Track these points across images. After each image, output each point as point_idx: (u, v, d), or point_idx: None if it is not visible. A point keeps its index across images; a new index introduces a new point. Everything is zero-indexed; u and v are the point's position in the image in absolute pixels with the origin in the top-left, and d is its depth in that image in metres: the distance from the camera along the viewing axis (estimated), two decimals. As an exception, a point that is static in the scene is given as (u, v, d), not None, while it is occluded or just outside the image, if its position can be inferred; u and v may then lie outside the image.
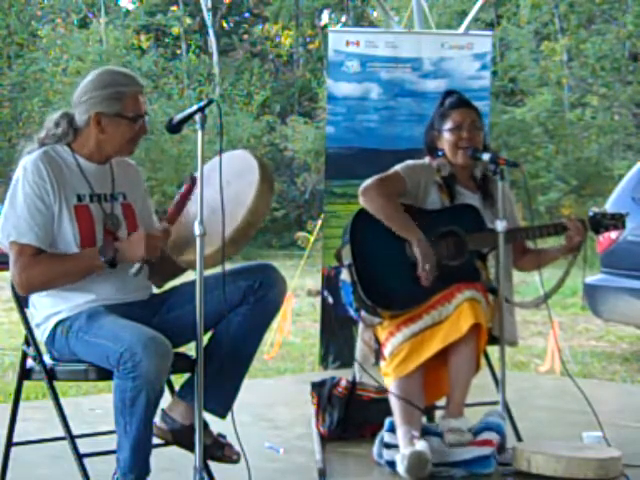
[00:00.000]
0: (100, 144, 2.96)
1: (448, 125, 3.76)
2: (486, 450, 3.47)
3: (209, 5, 26.54)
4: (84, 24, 24.65)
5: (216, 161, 2.96)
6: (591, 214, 3.83)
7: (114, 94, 2.91)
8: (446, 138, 3.77)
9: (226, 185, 2.84)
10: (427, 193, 3.74)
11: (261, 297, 2.96)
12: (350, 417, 4.10)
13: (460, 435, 3.48)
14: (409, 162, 3.81)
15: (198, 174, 2.83)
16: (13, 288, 2.99)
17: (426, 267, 3.54)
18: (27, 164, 2.87)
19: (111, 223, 2.96)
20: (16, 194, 2.85)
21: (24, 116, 20.09)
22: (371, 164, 4.52)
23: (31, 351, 2.99)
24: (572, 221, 3.75)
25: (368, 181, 3.70)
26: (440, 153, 3.79)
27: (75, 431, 2.96)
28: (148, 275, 3.06)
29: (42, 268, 2.84)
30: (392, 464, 3.52)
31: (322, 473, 3.53)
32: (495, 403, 3.69)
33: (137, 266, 2.86)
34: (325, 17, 29.41)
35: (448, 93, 3.88)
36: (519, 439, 3.83)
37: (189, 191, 2.94)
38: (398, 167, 3.78)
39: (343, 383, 4.16)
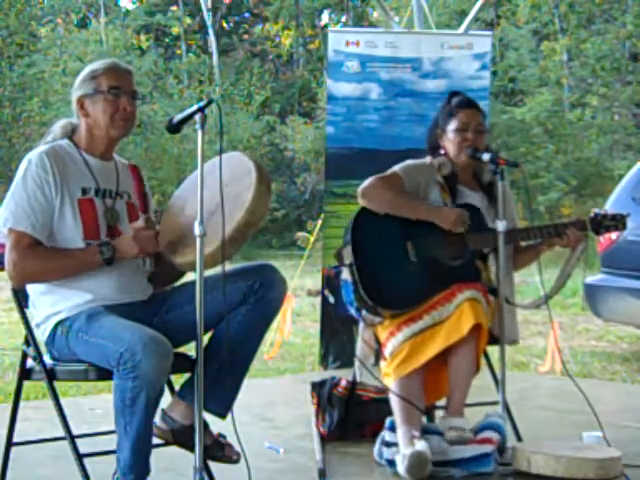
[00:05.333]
0: (90, 130, 3.01)
1: (454, 125, 3.75)
2: (486, 448, 3.47)
3: (209, 5, 26.55)
4: (84, 24, 24.69)
5: (212, 164, 2.96)
6: (592, 215, 3.83)
7: (89, 75, 3.00)
8: (450, 138, 3.76)
9: (223, 187, 2.83)
10: (428, 192, 3.73)
11: (261, 297, 2.96)
12: (350, 417, 4.10)
13: (461, 432, 3.48)
14: (409, 162, 3.80)
15: (198, 174, 2.83)
16: (13, 288, 3.00)
17: (460, 229, 3.61)
18: (32, 157, 2.91)
19: (110, 217, 2.97)
20: (18, 184, 2.89)
21: (24, 116, 20.11)
22: (371, 164, 4.51)
23: (31, 351, 2.99)
24: (572, 229, 3.74)
25: (366, 182, 3.69)
26: (442, 152, 3.79)
27: (75, 431, 2.95)
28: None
29: (37, 260, 2.85)
30: (392, 463, 3.52)
31: (322, 473, 3.53)
32: (495, 403, 3.69)
33: (147, 262, 2.97)
34: (325, 17, 29.44)
35: (454, 93, 3.87)
36: (519, 439, 3.83)
37: (137, 178, 3.08)
38: (396, 167, 3.77)
39: (343, 383, 4.16)
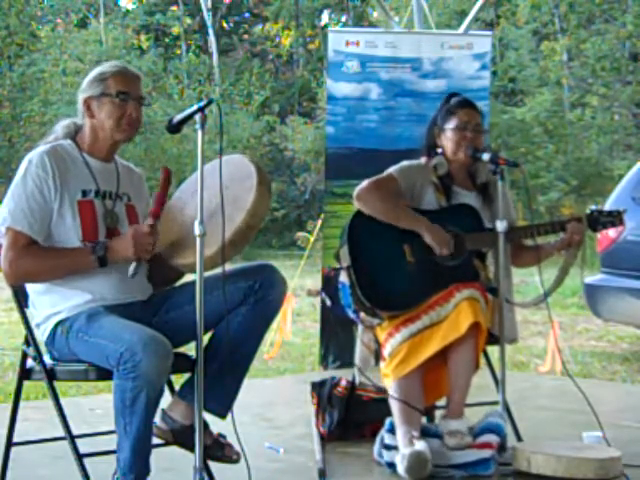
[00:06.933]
0: (94, 131, 3.00)
1: (453, 123, 3.75)
2: (486, 453, 3.46)
3: (209, 5, 26.53)
4: (84, 24, 24.65)
5: (212, 165, 2.97)
6: (589, 212, 3.83)
7: (97, 76, 3.00)
8: (449, 136, 3.75)
9: (224, 189, 2.83)
10: (423, 193, 3.73)
11: (261, 297, 2.96)
12: (350, 417, 4.10)
13: (460, 439, 3.47)
14: (404, 163, 3.79)
15: (198, 174, 2.83)
16: (14, 288, 3.00)
17: (444, 252, 3.57)
18: (33, 157, 2.91)
19: (110, 219, 2.97)
20: (18, 183, 2.89)
21: (24, 116, 20.11)
22: (371, 164, 4.51)
23: (31, 351, 2.99)
24: (571, 221, 3.75)
25: (362, 184, 3.68)
26: (439, 151, 3.79)
27: (75, 431, 2.95)
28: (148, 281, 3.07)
29: (32, 260, 2.85)
30: (392, 465, 3.52)
31: (322, 473, 3.53)
32: (495, 403, 3.69)
33: (133, 266, 2.88)
34: (325, 17, 29.44)
35: (452, 95, 3.87)
36: (519, 439, 3.83)
37: (167, 181, 2.94)
38: (392, 169, 3.76)
39: (343, 383, 4.16)
